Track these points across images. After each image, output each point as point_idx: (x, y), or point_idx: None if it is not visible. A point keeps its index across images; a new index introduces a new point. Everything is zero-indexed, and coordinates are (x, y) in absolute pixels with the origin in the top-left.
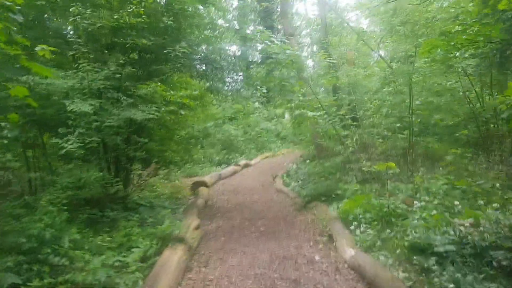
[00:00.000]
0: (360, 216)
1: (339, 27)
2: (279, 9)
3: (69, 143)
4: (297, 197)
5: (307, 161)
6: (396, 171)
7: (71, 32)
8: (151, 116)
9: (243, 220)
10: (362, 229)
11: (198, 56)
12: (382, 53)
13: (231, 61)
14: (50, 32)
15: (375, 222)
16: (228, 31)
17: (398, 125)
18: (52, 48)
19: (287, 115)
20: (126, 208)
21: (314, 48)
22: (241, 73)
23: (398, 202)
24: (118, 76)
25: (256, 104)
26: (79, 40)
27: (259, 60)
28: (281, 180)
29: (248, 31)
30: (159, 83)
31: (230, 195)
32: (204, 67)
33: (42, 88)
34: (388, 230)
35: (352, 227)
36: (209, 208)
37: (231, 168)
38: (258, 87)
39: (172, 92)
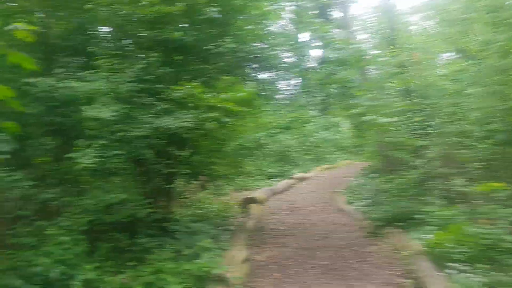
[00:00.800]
0: (456, 251)
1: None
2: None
3: (85, 157)
4: (364, 219)
5: (372, 175)
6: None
7: (98, 28)
8: (186, 124)
9: (300, 249)
10: (460, 270)
11: (247, 55)
12: (455, 52)
13: (285, 66)
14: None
15: (476, 261)
16: (283, 33)
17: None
18: (32, 27)
19: (345, 124)
20: (163, 232)
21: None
22: (296, 79)
23: (501, 231)
24: (150, 77)
25: (313, 112)
26: (106, 35)
27: (316, 66)
28: (343, 197)
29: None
30: (197, 84)
31: (284, 214)
32: (254, 68)
33: (61, 92)
34: (497, 273)
35: (448, 270)
36: (260, 231)
37: (285, 182)
38: (315, 93)
39: (212, 94)
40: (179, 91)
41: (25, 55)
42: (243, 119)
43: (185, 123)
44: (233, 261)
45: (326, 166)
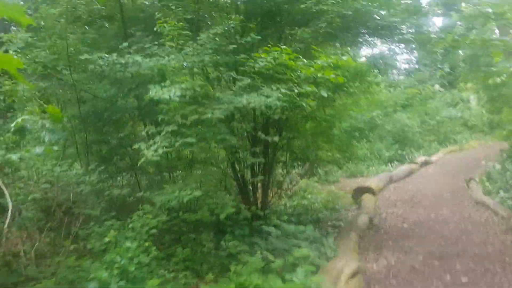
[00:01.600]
0: None
1: None
2: None
3: (151, 149)
4: None
5: None
6: None
7: None
8: (274, 102)
9: (428, 256)
10: None
11: (356, 16)
12: None
13: (403, 32)
14: None
15: None
16: None
17: None
18: None
19: (472, 99)
20: (256, 231)
21: None
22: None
23: None
24: (230, 47)
25: (436, 86)
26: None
27: (440, 32)
28: (480, 186)
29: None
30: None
31: (405, 207)
32: (365, 34)
33: (131, 71)
34: None
35: None
36: (375, 231)
37: (405, 167)
38: (440, 64)
39: (306, 61)
40: (263, 60)
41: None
42: (353, 96)
43: (274, 100)
44: (338, 276)
45: (453, 148)
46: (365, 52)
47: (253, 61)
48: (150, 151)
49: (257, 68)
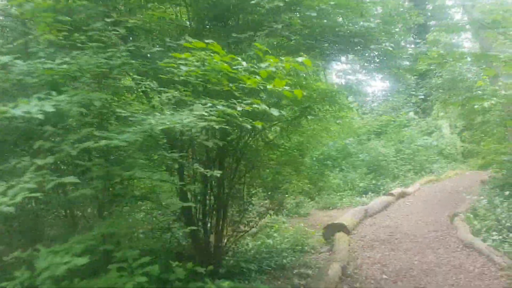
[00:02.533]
0: None
1: None
2: None
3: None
4: None
5: (506, 193)
6: None
7: None
8: (196, 122)
9: None
10: None
11: (326, 25)
12: None
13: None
14: None
15: None
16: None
17: None
18: None
19: (445, 127)
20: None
21: None
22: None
23: None
24: (155, 50)
25: (411, 114)
26: None
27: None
28: (466, 224)
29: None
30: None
31: (384, 250)
32: (333, 44)
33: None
34: None
35: None
36: (349, 285)
37: (381, 199)
38: (413, 92)
39: (246, 64)
40: (187, 62)
41: None
42: (323, 121)
43: (194, 120)
44: None
45: (429, 178)
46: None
47: (174, 65)
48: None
49: (180, 74)
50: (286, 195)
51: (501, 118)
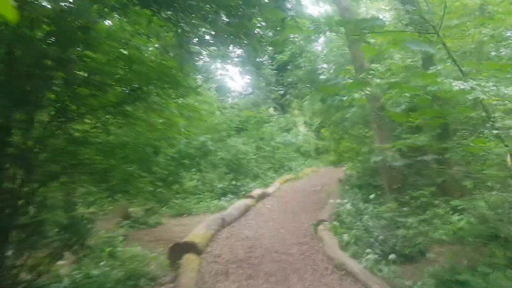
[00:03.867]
0: None
1: None
2: None
3: None
4: None
5: (372, 196)
6: None
7: None
8: None
9: None
10: None
11: None
12: None
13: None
14: None
15: None
16: None
17: None
18: None
19: (301, 124)
20: None
21: None
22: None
23: None
24: None
25: (271, 110)
26: None
27: (268, 61)
28: (333, 235)
29: None
30: None
31: (241, 277)
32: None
33: None
34: None
35: None
36: None
37: (240, 203)
38: (274, 88)
39: None
40: None
41: None
42: (163, 110)
43: None
44: None
45: (288, 176)
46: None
47: None
48: None
49: None
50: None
51: (363, 115)
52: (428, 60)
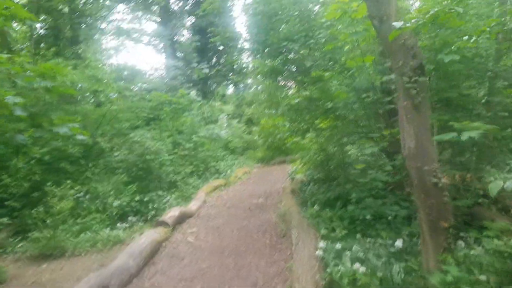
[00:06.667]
0: None
1: None
2: None
3: None
4: None
5: (397, 243)
6: None
7: None
8: None
9: None
10: None
11: None
12: None
13: None
14: None
15: None
16: None
17: None
18: None
19: (223, 115)
20: None
21: None
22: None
23: None
24: None
25: (192, 94)
26: None
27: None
28: None
29: None
30: None
31: None
32: None
33: None
34: None
35: None
36: None
37: (144, 239)
38: (195, 65)
39: None
40: None
41: None
42: None
43: None
44: None
45: (217, 183)
46: None
47: None
48: None
49: None
50: None
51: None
52: None
